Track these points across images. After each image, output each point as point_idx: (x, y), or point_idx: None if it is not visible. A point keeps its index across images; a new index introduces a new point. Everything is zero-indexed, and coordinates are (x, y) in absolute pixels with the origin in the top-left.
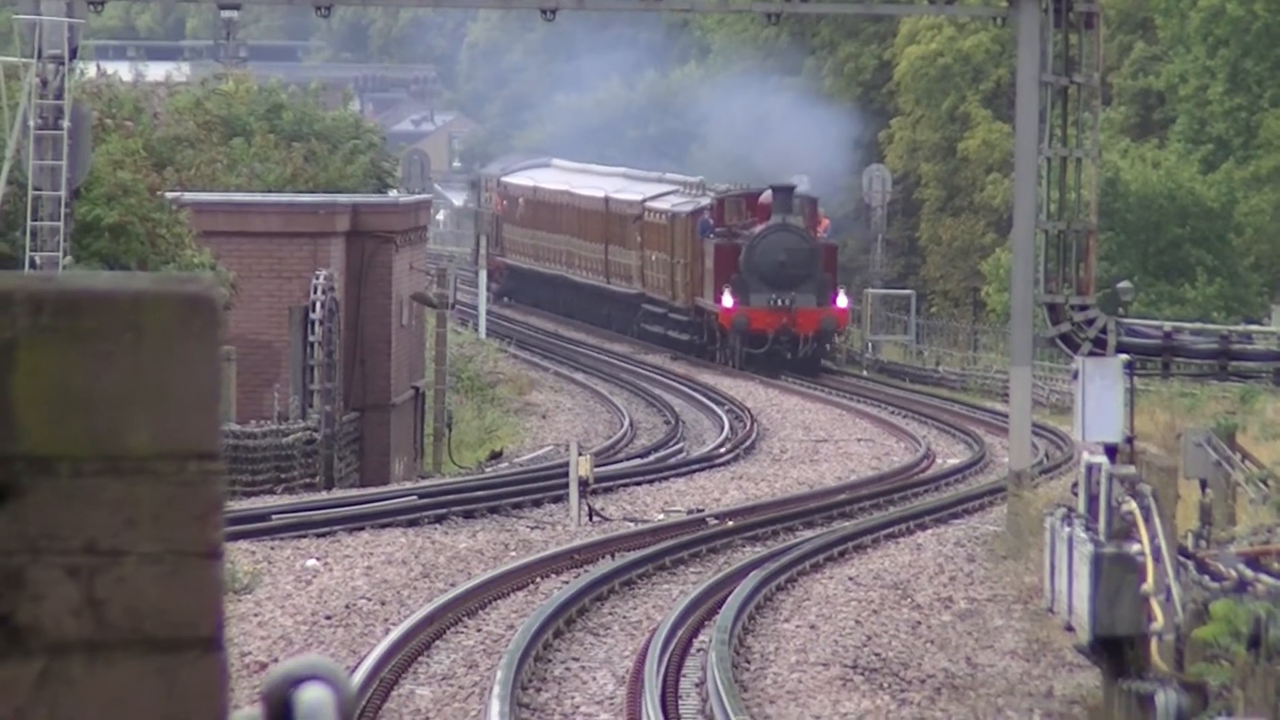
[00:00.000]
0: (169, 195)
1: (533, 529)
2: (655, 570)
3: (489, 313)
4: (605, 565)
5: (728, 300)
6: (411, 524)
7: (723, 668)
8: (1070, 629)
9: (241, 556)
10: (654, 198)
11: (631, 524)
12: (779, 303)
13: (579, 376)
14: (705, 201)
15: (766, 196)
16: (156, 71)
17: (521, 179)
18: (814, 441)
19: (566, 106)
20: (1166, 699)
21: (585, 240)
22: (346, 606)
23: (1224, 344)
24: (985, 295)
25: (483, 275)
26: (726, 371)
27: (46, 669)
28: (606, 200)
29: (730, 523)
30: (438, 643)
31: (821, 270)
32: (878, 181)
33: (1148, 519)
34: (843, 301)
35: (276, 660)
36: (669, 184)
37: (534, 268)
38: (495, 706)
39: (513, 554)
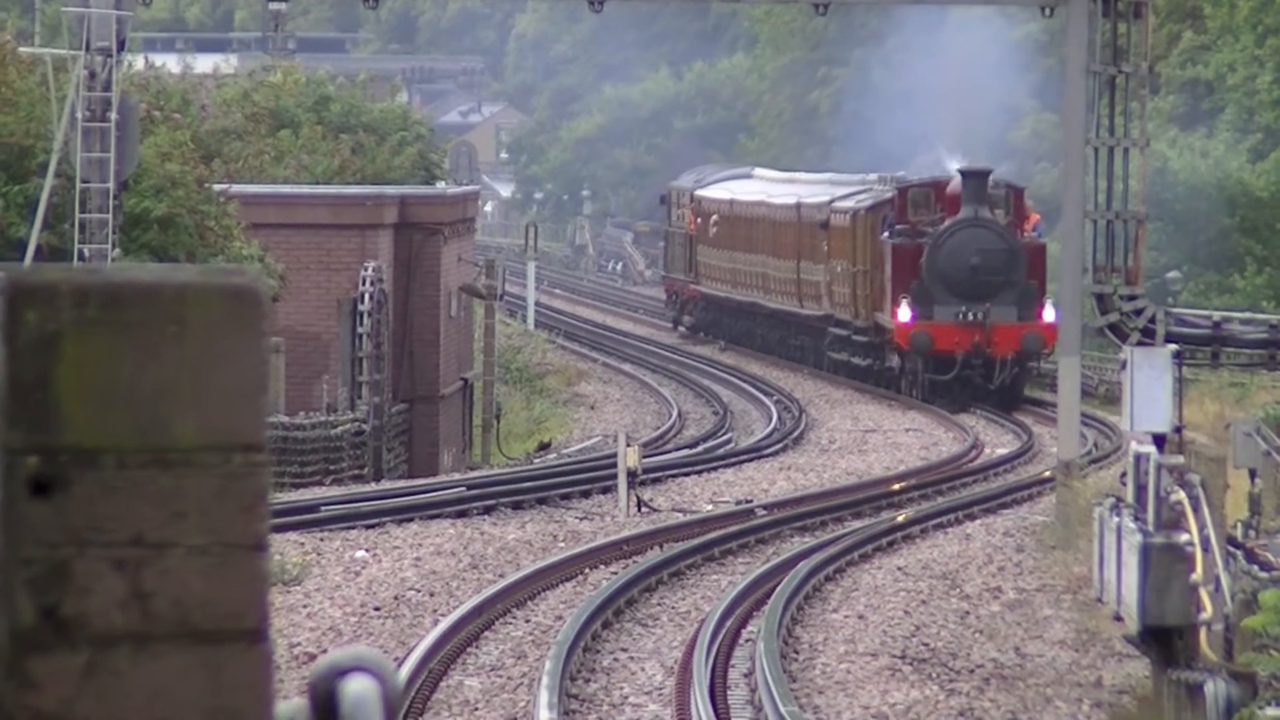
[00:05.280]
0: (217, 187)
1: (581, 520)
2: (704, 561)
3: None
4: (654, 556)
5: (904, 314)
6: (460, 515)
7: (771, 658)
8: (1119, 619)
9: (290, 548)
10: (843, 197)
11: (680, 514)
12: (970, 317)
13: (627, 367)
14: (889, 195)
15: (955, 185)
16: (205, 64)
17: (718, 192)
18: (862, 432)
19: (614, 97)
20: (1216, 689)
21: (778, 258)
22: (395, 598)
23: (1273, 333)
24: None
25: (531, 267)
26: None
27: (93, 661)
28: (799, 207)
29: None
30: (486, 634)
31: (1025, 276)
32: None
33: (1196, 509)
34: (1050, 315)
35: (326, 651)
36: (868, 183)
37: (730, 295)
38: (544, 697)
39: (561, 545)
